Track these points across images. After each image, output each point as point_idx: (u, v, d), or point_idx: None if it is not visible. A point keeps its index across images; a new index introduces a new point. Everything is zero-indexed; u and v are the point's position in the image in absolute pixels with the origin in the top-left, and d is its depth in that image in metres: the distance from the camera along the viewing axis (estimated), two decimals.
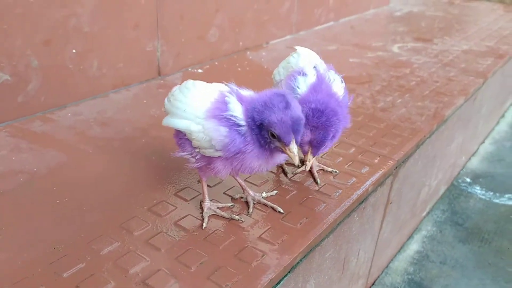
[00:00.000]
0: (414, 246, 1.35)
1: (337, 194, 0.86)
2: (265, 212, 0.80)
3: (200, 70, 1.44)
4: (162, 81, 1.34)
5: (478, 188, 1.63)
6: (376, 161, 0.99)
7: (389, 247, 1.23)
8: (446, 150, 1.39)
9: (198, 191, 0.85)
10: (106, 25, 1.16)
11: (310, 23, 1.93)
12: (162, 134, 1.04)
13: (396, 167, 1.02)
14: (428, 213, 1.48)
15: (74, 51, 1.12)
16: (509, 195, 1.60)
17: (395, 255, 1.30)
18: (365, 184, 0.90)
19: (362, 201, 0.91)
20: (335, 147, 1.03)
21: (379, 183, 0.96)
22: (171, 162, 0.93)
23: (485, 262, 1.29)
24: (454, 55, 1.70)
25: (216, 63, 1.51)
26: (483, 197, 1.59)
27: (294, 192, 0.86)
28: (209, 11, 1.44)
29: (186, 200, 0.83)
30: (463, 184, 1.65)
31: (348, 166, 0.96)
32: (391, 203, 1.09)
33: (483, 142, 1.91)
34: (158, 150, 0.98)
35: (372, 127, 1.13)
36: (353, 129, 1.12)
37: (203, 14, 1.42)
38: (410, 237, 1.38)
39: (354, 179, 0.91)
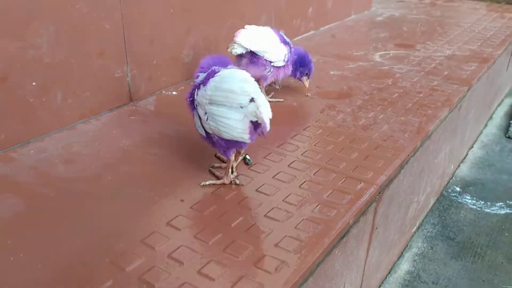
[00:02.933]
0: (405, 266, 1.29)
1: (316, 229, 0.81)
2: (238, 258, 0.74)
3: (174, 93, 1.38)
4: (134, 107, 1.27)
5: (468, 197, 1.59)
6: (358, 188, 0.93)
7: (379, 271, 1.18)
8: (433, 163, 1.35)
9: (165, 235, 0.79)
10: (68, 54, 1.10)
11: (290, 34, 1.86)
12: (131, 169, 0.98)
13: (379, 193, 0.97)
14: (418, 228, 1.43)
15: (34, 83, 1.05)
16: (501, 203, 1.56)
17: (386, 278, 1.25)
18: (345, 217, 0.84)
19: (343, 235, 0.85)
20: (314, 174, 0.98)
21: (362, 213, 0.91)
22: (139, 202, 0.87)
23: (479, 280, 1.25)
24: (437, 61, 1.65)
25: (192, 83, 1.45)
26: (474, 206, 1.54)
27: (270, 232, 0.80)
28: (181, 31, 1.38)
29: (151, 248, 0.77)
30: (453, 194, 1.60)
31: (328, 196, 0.90)
32: (376, 228, 1.04)
33: (471, 147, 1.87)
34: (125, 188, 0.92)
35: (354, 149, 1.08)
36: (333, 152, 1.07)
37: (174, 35, 1.36)
38: (400, 256, 1.33)
39: (335, 211, 0.86)
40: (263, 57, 1.24)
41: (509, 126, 2.01)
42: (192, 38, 1.43)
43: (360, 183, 0.95)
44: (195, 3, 1.41)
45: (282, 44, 1.29)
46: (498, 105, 2.23)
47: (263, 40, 1.26)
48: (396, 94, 1.39)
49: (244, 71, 0.89)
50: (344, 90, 1.42)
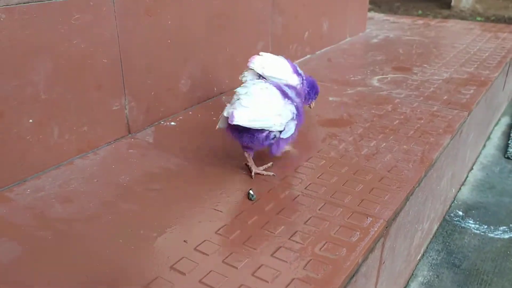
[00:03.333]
0: None
1: (326, 270, 0.78)
2: None
3: (173, 123, 1.36)
4: (132, 140, 1.25)
5: (471, 221, 1.57)
6: (365, 224, 0.91)
7: None
8: (436, 190, 1.33)
9: (170, 282, 0.76)
10: (65, 89, 1.08)
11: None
12: (132, 207, 0.96)
13: (386, 227, 0.95)
14: (423, 255, 1.41)
15: (31, 120, 1.03)
16: (504, 227, 1.54)
17: None
18: (354, 256, 0.82)
19: (353, 275, 0.83)
20: (319, 209, 0.96)
21: (370, 250, 0.88)
22: (141, 244, 0.84)
23: None
24: (435, 85, 1.65)
25: (190, 112, 1.43)
26: (478, 231, 1.53)
27: (278, 275, 0.78)
28: (178, 61, 1.37)
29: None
30: (455, 219, 1.58)
31: (335, 233, 0.88)
32: (383, 262, 1.02)
33: (471, 169, 1.86)
34: (126, 229, 0.89)
35: (358, 181, 1.06)
36: (338, 184, 1.05)
37: (171, 65, 1.35)
38: (407, 286, 1.30)
39: (343, 250, 0.84)
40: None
41: (507, 146, 2.00)
42: (189, 67, 1.42)
43: (367, 218, 0.93)
44: (192, 33, 1.40)
45: (295, 75, 1.28)
46: (495, 125, 2.23)
47: (277, 67, 1.27)
48: (397, 121, 1.38)
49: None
50: (345, 117, 1.41)
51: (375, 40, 2.24)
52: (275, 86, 1.05)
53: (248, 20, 1.61)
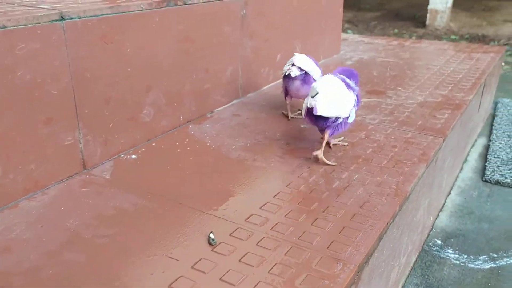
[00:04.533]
0: None
1: None
2: None
3: (134, 156, 1.27)
4: (87, 176, 1.16)
5: (450, 251, 1.51)
6: (335, 270, 0.84)
7: None
8: (412, 222, 1.27)
9: None
10: (9, 126, 0.99)
11: (258, 83, 1.81)
12: (77, 257, 0.86)
13: (358, 272, 0.87)
14: None
15: None
16: (484, 256, 1.49)
17: None
18: None
19: None
20: (285, 254, 0.88)
21: None
22: None
23: None
24: (409, 109, 1.61)
25: (154, 143, 1.35)
26: (457, 261, 1.47)
27: None
28: (140, 89, 1.29)
29: None
30: (434, 248, 1.52)
31: (301, 283, 0.80)
32: None
33: (449, 193, 1.82)
34: (68, 284, 0.79)
35: (328, 219, 0.99)
36: (306, 223, 0.98)
37: (132, 93, 1.27)
38: None
39: None
40: (313, 77, 1.47)
41: (484, 169, 1.97)
42: (152, 95, 1.34)
43: (337, 263, 0.85)
44: (155, 60, 1.32)
45: (318, 68, 1.53)
46: (472, 146, 2.20)
47: (310, 63, 1.49)
48: (370, 149, 1.32)
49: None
50: (316, 146, 1.34)
51: (349, 62, 2.20)
52: (340, 79, 1.26)
53: (216, 44, 1.55)
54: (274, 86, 1.87)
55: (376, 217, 1.00)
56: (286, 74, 1.49)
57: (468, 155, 2.12)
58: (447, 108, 1.61)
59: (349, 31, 5.99)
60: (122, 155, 1.27)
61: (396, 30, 6.00)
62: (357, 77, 1.35)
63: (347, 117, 1.23)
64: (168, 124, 1.42)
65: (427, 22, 6.04)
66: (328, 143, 1.34)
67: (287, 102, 1.57)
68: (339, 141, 1.37)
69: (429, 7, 5.95)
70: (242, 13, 1.64)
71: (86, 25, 1.11)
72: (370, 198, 1.07)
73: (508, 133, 2.30)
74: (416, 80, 1.92)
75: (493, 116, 2.54)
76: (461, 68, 2.09)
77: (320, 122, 1.22)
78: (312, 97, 1.20)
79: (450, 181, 1.81)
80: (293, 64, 1.48)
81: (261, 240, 0.92)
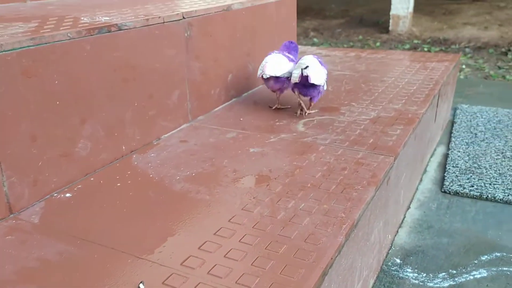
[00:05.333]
0: None
1: None
2: None
3: (68, 195, 1.19)
4: (14, 221, 1.07)
5: (409, 269, 1.48)
6: None
7: None
8: (366, 247, 1.23)
9: None
10: None
11: (209, 105, 1.76)
12: None
13: None
14: None
15: None
16: (443, 273, 1.46)
17: None
18: None
19: None
20: None
21: None
22: None
23: None
24: (362, 127, 1.58)
25: (92, 178, 1.27)
26: (416, 281, 1.43)
27: None
28: (72, 123, 1.22)
29: None
30: (393, 268, 1.49)
31: None
32: None
33: (409, 208, 1.79)
34: None
35: (270, 256, 0.93)
36: (246, 264, 0.92)
37: (64, 128, 1.19)
38: None
39: None
40: (283, 77, 1.69)
41: (443, 179, 1.96)
42: (89, 127, 1.26)
43: None
44: (89, 90, 1.25)
45: (292, 63, 1.71)
46: (431, 156, 2.20)
47: (281, 65, 1.68)
48: (320, 173, 1.27)
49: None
50: (264, 172, 1.29)
51: None
52: (315, 57, 1.65)
53: (159, 69, 1.48)
54: (226, 107, 1.81)
55: (320, 251, 0.95)
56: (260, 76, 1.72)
57: (427, 165, 2.11)
58: (400, 124, 1.59)
59: (315, 39, 6.03)
60: (55, 194, 1.19)
61: (360, 37, 6.06)
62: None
63: (323, 86, 1.64)
64: (108, 157, 1.34)
65: (390, 28, 6.13)
66: (302, 111, 1.72)
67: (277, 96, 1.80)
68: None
69: (391, 13, 6.04)
70: (186, 34, 1.58)
71: (4, 60, 1.03)
72: (316, 230, 1.02)
73: (467, 141, 2.31)
74: (370, 94, 1.90)
75: (452, 123, 2.55)
76: (415, 79, 2.09)
77: (310, 89, 1.60)
78: (303, 69, 1.55)
79: (409, 195, 1.79)
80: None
81: (196, 286, 0.86)
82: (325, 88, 1.67)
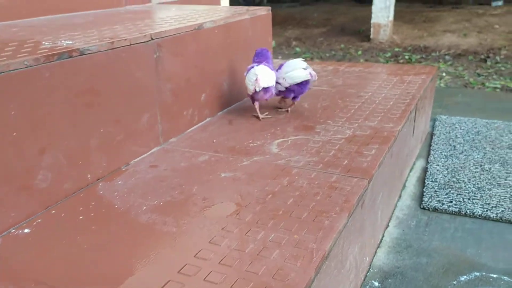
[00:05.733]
0: None
1: None
2: None
3: (27, 230, 1.13)
4: None
5: None
6: None
7: None
8: (340, 275, 1.19)
9: None
10: None
11: (182, 126, 1.71)
12: None
13: None
14: None
15: None
16: None
17: None
18: None
19: None
20: None
21: None
22: None
23: None
24: (337, 147, 1.55)
25: (53, 211, 1.21)
26: None
27: None
28: (31, 154, 1.16)
29: None
30: None
31: None
32: None
33: (387, 226, 1.77)
34: None
35: None
36: None
37: (21, 160, 1.14)
38: None
39: None
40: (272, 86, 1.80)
41: (422, 195, 1.94)
42: (49, 157, 1.21)
43: None
44: (48, 119, 1.20)
45: (274, 72, 1.84)
46: (410, 171, 2.18)
47: (270, 75, 1.79)
48: (291, 200, 1.24)
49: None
50: (234, 199, 1.25)
51: None
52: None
53: (127, 93, 1.44)
54: (200, 127, 1.77)
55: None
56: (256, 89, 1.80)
57: (406, 180, 2.09)
58: (375, 143, 1.57)
59: (297, 48, 6.03)
60: (12, 230, 1.13)
61: (342, 45, 6.08)
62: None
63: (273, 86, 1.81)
64: (72, 186, 1.28)
65: (372, 36, 6.17)
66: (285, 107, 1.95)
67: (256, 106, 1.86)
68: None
69: (372, 21, 6.09)
70: (155, 56, 1.54)
71: None
72: (285, 264, 0.98)
73: (446, 154, 2.30)
74: (346, 111, 1.88)
75: (432, 135, 2.54)
76: (392, 94, 2.07)
77: (304, 86, 1.83)
78: (304, 69, 1.80)
79: (387, 213, 1.76)
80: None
81: None
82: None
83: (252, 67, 1.79)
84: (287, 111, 1.91)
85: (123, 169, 1.44)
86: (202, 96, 1.80)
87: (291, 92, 1.85)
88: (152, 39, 1.51)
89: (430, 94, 2.44)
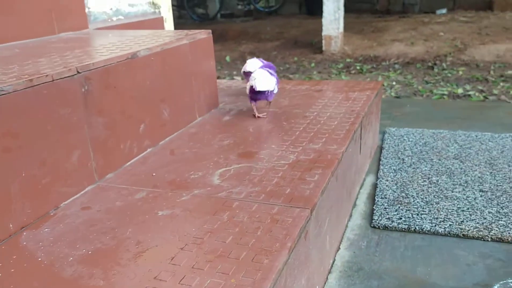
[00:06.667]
0: None
1: None
2: None
3: None
4: None
5: None
6: None
7: None
8: None
9: None
10: None
11: (119, 161, 1.62)
12: None
13: None
14: None
15: None
16: None
17: None
18: None
19: None
20: None
21: None
22: None
23: None
24: (279, 174, 1.51)
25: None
26: None
27: None
28: None
29: None
30: None
31: None
32: None
33: (338, 249, 1.74)
34: None
35: None
36: None
37: None
38: None
39: None
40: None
41: (372, 213, 1.93)
42: None
43: None
44: None
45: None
46: (361, 187, 2.18)
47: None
48: (231, 237, 1.18)
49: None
50: (170, 241, 1.18)
51: (226, 118, 2.09)
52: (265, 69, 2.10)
53: (50, 131, 1.34)
54: (140, 160, 1.69)
55: None
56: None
57: (357, 198, 2.09)
58: (318, 167, 1.54)
59: None
60: None
61: (296, 58, 6.14)
62: (274, 67, 2.25)
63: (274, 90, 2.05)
64: None
65: (324, 48, 6.26)
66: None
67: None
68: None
69: (323, 33, 6.19)
70: (83, 90, 1.45)
71: None
72: None
73: (395, 168, 2.32)
74: (291, 134, 1.85)
75: (381, 149, 2.56)
76: (337, 112, 2.06)
77: (271, 94, 2.05)
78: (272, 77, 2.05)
79: (338, 236, 1.74)
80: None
81: None
82: (275, 91, 2.05)
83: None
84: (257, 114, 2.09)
85: (52, 214, 1.34)
86: (140, 127, 1.72)
87: (261, 96, 2.04)
88: (78, 72, 1.43)
89: (377, 109, 2.46)
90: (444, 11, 8.25)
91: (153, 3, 2.87)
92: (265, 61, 2.31)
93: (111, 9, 2.60)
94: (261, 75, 1.98)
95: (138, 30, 2.32)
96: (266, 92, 1.99)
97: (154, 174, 1.57)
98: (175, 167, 1.61)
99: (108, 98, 1.56)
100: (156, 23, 2.85)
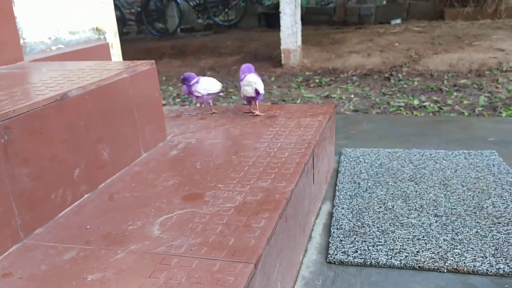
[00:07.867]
0: None
1: None
2: None
3: None
4: None
5: None
6: None
7: None
8: None
9: None
10: None
11: (50, 212, 1.49)
12: None
13: None
14: None
15: None
16: None
17: None
18: None
19: None
20: None
21: None
22: None
23: None
24: (224, 220, 1.42)
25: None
26: None
27: None
28: None
29: None
30: None
31: None
32: None
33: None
34: None
35: None
36: None
37: None
38: None
39: None
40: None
41: (328, 246, 1.87)
42: None
43: None
44: None
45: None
46: (316, 217, 2.11)
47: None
48: None
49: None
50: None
51: (174, 152, 1.98)
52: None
53: None
54: (74, 209, 1.56)
55: None
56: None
57: (312, 230, 2.02)
58: (266, 210, 1.46)
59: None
60: None
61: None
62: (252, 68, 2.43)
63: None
64: None
65: (283, 62, 6.25)
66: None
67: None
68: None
69: (282, 47, 6.18)
70: (2, 141, 1.32)
71: None
72: None
73: (350, 193, 2.27)
74: (240, 170, 1.76)
75: (338, 172, 2.52)
76: (288, 142, 2.00)
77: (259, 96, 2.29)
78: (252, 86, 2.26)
79: (292, 277, 1.66)
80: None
81: None
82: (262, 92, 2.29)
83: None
84: (256, 113, 2.40)
85: None
86: (75, 172, 1.59)
87: (258, 97, 2.31)
88: None
89: (330, 133, 2.41)
90: (398, 21, 8.44)
91: (97, 29, 2.74)
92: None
93: (49, 38, 2.45)
94: (258, 79, 2.26)
95: (77, 61, 2.18)
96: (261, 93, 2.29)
97: (88, 227, 1.44)
98: (113, 216, 1.49)
99: (34, 146, 1.43)
100: (101, 50, 2.72)
